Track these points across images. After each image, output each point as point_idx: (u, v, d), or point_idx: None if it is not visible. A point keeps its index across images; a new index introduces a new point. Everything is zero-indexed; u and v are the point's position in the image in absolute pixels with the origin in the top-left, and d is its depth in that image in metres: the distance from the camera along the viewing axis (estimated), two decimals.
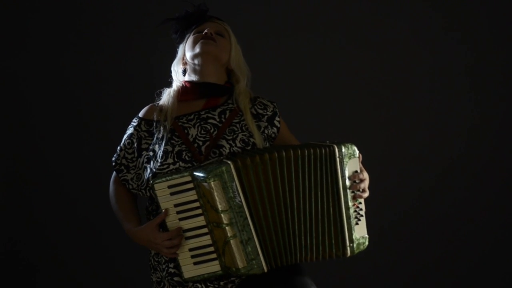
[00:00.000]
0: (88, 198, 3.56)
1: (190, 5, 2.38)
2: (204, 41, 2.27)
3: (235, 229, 2.02)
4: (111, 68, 3.58)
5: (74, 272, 3.61)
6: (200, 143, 2.18)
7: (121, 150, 2.26)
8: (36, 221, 3.61)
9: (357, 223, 2.13)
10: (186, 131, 2.20)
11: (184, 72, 2.35)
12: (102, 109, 3.59)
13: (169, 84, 2.36)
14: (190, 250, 2.08)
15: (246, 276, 2.11)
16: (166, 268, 2.16)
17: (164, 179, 2.07)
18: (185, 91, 2.28)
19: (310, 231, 2.08)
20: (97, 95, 3.60)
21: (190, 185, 2.05)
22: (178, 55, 2.36)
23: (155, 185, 2.08)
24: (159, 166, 2.14)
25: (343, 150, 2.09)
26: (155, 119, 2.25)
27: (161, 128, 2.22)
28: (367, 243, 2.16)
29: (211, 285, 2.13)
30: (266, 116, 2.28)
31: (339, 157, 2.08)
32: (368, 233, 2.16)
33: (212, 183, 2.00)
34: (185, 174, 2.06)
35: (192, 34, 2.32)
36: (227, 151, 2.15)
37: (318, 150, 2.07)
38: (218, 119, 2.23)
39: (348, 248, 2.11)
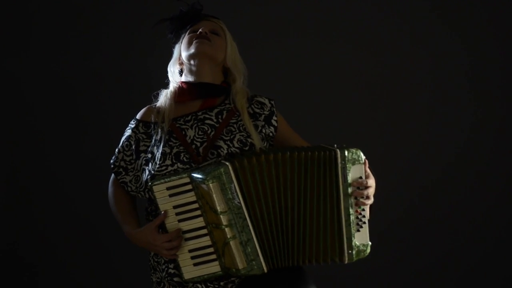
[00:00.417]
0: (88, 199, 3.56)
1: (184, 4, 2.37)
2: (199, 41, 2.25)
3: (235, 230, 2.02)
4: (111, 68, 3.58)
5: (74, 272, 3.61)
6: (198, 144, 2.17)
7: (119, 152, 2.26)
8: (36, 221, 3.61)
9: (358, 230, 2.10)
10: (183, 132, 2.19)
11: (181, 72, 2.33)
12: (102, 109, 3.59)
13: (167, 85, 2.35)
14: (190, 251, 2.08)
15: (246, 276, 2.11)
16: (166, 269, 2.16)
17: (162, 180, 2.07)
18: (182, 92, 2.27)
19: (309, 234, 2.07)
20: (97, 95, 3.60)
21: (189, 187, 2.05)
22: (174, 56, 2.35)
23: (153, 187, 2.08)
24: (157, 168, 2.13)
25: (347, 155, 2.06)
26: (152, 121, 2.25)
27: (159, 130, 2.21)
28: (368, 250, 2.13)
29: (211, 285, 2.13)
30: (263, 115, 2.27)
31: (341, 162, 2.06)
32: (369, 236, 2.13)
33: (210, 184, 1.99)
34: (184, 175, 2.06)
35: (187, 33, 2.31)
36: (225, 151, 2.15)
37: (317, 154, 2.05)
38: (215, 120, 2.22)
39: (346, 255, 2.09)
